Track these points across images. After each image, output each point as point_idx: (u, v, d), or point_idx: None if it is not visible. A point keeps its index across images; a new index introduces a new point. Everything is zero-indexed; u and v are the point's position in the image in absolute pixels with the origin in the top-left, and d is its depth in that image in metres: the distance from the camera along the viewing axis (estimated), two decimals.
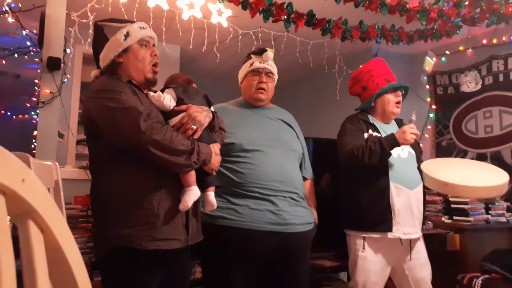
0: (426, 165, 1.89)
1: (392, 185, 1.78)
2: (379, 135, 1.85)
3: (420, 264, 1.85)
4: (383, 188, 1.77)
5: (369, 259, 1.79)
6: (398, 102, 1.93)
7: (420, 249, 1.87)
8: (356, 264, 1.81)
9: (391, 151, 1.73)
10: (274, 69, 1.76)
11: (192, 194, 1.28)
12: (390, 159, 1.79)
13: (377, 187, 1.78)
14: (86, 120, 1.32)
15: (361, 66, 2.09)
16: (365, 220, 1.80)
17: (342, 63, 3.74)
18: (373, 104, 1.96)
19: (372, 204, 1.78)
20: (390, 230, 1.76)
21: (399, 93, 1.95)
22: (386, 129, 1.93)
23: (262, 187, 1.55)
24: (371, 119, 1.96)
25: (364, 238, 1.80)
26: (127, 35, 1.34)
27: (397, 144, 1.72)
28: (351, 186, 1.88)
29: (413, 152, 1.91)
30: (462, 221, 2.68)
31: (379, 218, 1.76)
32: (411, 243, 1.82)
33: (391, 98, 1.92)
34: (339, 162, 1.91)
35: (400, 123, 2.03)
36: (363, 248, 1.79)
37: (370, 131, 1.86)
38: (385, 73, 1.96)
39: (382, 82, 1.93)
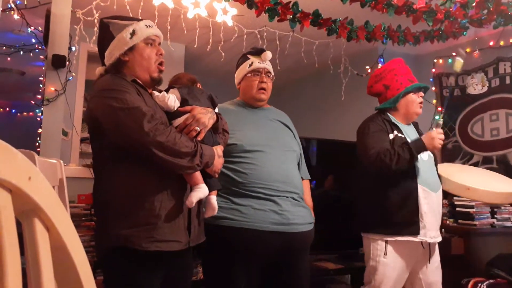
0: (445, 169, 1.90)
1: (420, 188, 1.76)
2: (403, 136, 1.83)
3: (434, 267, 1.83)
4: (412, 191, 1.75)
5: (390, 265, 1.75)
6: (421, 103, 1.91)
7: (436, 253, 1.86)
8: (376, 270, 1.76)
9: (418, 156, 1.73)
10: (271, 68, 1.76)
11: (200, 191, 1.28)
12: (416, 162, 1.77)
13: (405, 189, 1.75)
14: (89, 119, 1.32)
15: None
16: (392, 223, 1.75)
17: (347, 64, 3.73)
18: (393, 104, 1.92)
19: (401, 207, 1.74)
20: (417, 233, 1.73)
21: (422, 93, 1.93)
22: (407, 130, 1.90)
23: (265, 187, 1.55)
24: (393, 119, 1.92)
25: (387, 242, 1.76)
26: (133, 33, 1.34)
27: (425, 149, 1.72)
28: (375, 188, 1.82)
29: (432, 155, 1.89)
30: (467, 225, 2.66)
31: (407, 221, 1.73)
32: (430, 247, 1.80)
33: (415, 98, 1.90)
34: (359, 164, 1.86)
35: (415, 126, 2.01)
36: (385, 253, 1.75)
37: (396, 132, 1.83)
38: (408, 73, 1.93)
39: (406, 81, 1.90)
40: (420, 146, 1.72)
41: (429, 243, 1.78)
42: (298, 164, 1.76)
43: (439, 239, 1.82)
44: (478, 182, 1.79)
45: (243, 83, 1.75)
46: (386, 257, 1.74)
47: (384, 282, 1.75)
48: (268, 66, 1.73)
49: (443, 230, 1.96)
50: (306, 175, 1.81)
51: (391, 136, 1.82)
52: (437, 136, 1.72)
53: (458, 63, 2.00)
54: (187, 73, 1.60)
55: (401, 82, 1.89)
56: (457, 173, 1.88)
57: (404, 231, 1.73)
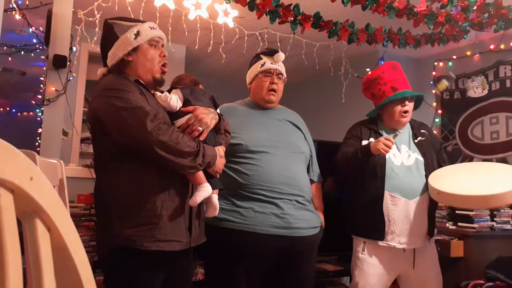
0: (440, 171, 1.81)
1: (387, 194, 1.76)
2: None
3: (429, 273, 1.83)
4: (377, 197, 1.76)
5: (368, 261, 1.79)
6: (405, 112, 1.84)
7: (429, 259, 1.84)
8: (356, 265, 1.82)
9: (366, 157, 1.74)
10: (284, 70, 1.74)
11: (203, 191, 1.28)
12: (389, 167, 1.77)
13: (371, 195, 1.78)
14: (92, 118, 1.32)
15: (368, 70, 2.08)
16: (361, 226, 1.82)
17: (348, 66, 3.73)
18: (380, 112, 1.93)
19: (366, 212, 1.79)
20: (382, 238, 1.75)
21: (407, 102, 1.84)
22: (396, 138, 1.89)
23: (267, 189, 1.54)
24: (380, 126, 1.92)
25: (364, 242, 1.81)
26: (137, 34, 1.35)
27: (369, 152, 1.70)
28: (351, 191, 1.91)
29: (421, 159, 1.85)
30: (466, 228, 2.65)
31: (373, 226, 1.77)
32: (415, 252, 1.79)
33: (397, 108, 1.84)
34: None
35: (419, 126, 1.98)
36: (363, 250, 1.80)
37: (372, 139, 1.83)
38: (393, 80, 1.87)
39: (388, 90, 1.86)
40: (365, 148, 1.73)
41: (414, 248, 1.78)
42: (308, 166, 1.75)
43: (415, 245, 1.77)
44: (467, 184, 1.63)
45: (253, 83, 1.73)
46: (364, 253, 1.80)
47: (363, 277, 1.77)
48: (280, 67, 1.71)
49: (434, 233, 1.90)
50: (317, 178, 1.80)
51: (364, 142, 1.84)
52: (383, 141, 1.65)
53: (442, 85, 2.03)
54: (189, 74, 1.60)
55: (384, 91, 1.87)
56: (453, 175, 1.77)
57: (371, 235, 1.79)
